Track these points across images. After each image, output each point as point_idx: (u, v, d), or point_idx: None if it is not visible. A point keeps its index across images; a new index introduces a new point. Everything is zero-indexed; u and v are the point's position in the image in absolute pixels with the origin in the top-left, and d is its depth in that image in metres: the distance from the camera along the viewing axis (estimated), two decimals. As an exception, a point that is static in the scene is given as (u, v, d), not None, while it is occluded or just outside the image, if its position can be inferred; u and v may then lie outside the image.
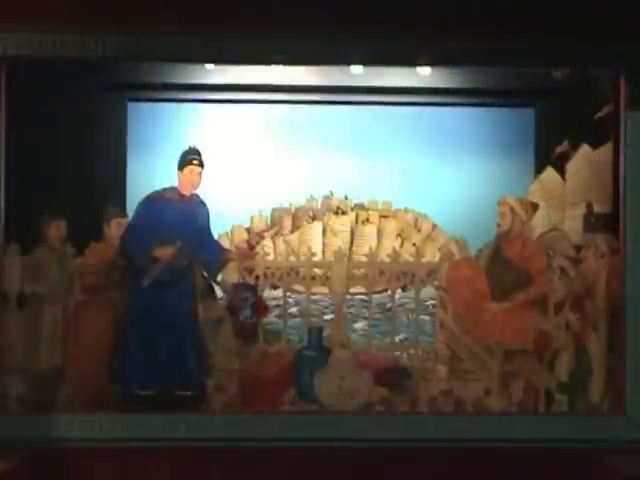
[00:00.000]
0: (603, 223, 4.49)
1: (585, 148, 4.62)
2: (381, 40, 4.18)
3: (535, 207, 4.70)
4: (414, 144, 5.09)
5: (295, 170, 5.06)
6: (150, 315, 4.51)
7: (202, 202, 4.61)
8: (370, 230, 5.08)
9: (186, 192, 4.60)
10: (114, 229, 4.59)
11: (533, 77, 4.69)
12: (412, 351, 4.76)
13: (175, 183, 4.61)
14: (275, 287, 4.75)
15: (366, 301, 4.80)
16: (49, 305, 4.49)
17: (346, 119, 5.09)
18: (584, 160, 4.63)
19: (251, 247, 4.87)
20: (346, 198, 5.12)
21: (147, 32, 4.16)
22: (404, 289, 4.79)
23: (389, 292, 4.78)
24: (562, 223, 4.67)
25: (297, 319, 4.82)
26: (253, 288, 4.65)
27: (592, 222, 4.56)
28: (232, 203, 4.91)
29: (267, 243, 4.97)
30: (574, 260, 4.55)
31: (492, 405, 4.53)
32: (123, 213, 4.64)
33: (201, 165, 4.59)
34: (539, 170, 4.79)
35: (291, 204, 5.10)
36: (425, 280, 4.75)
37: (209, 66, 4.68)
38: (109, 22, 4.16)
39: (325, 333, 4.63)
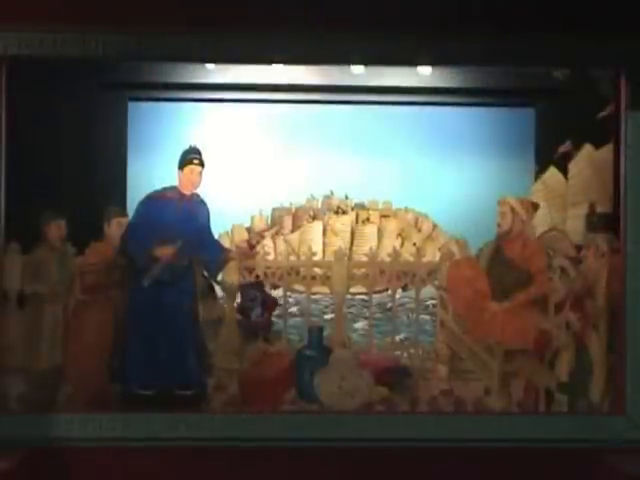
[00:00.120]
0: (606, 223, 4.48)
1: (588, 148, 4.62)
2: (381, 40, 4.17)
3: (535, 207, 4.70)
4: (414, 144, 5.09)
5: (295, 170, 5.06)
6: (150, 314, 4.51)
7: (202, 201, 4.61)
8: (370, 230, 5.08)
9: (186, 191, 4.60)
10: (114, 228, 4.60)
11: (533, 77, 4.69)
12: (412, 351, 4.77)
13: (175, 182, 4.61)
14: (275, 287, 4.75)
15: (366, 301, 4.81)
16: (49, 304, 4.49)
17: (346, 119, 5.08)
18: (587, 160, 4.62)
19: (251, 246, 4.87)
20: (346, 198, 5.12)
21: (148, 31, 4.16)
22: (404, 289, 4.80)
23: (389, 292, 4.78)
24: (564, 223, 4.67)
25: (297, 319, 4.82)
26: (259, 285, 4.66)
27: (595, 222, 4.55)
28: (232, 202, 4.92)
29: (267, 242, 4.97)
30: (574, 260, 4.55)
31: (492, 405, 4.53)
32: (123, 212, 4.64)
33: (201, 164, 4.59)
34: (540, 170, 4.79)
35: (291, 204, 5.10)
36: (425, 280, 4.75)
37: (210, 65, 4.68)
38: (110, 21, 4.15)
39: (325, 333, 4.64)
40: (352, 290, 4.76)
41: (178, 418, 4.28)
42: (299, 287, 4.78)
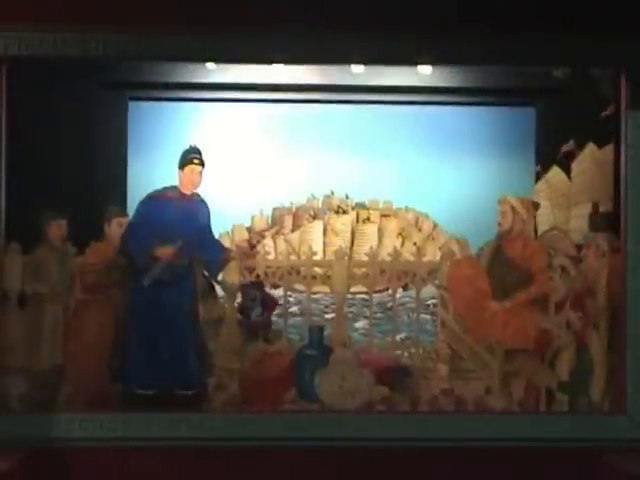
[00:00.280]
0: (609, 222, 4.48)
1: (591, 147, 4.62)
2: (381, 39, 4.18)
3: (536, 206, 4.70)
4: (415, 143, 5.09)
5: (296, 169, 5.06)
6: (151, 314, 4.52)
7: (203, 201, 4.61)
8: (371, 229, 5.07)
9: (187, 191, 4.61)
10: (115, 228, 4.60)
11: (534, 76, 4.69)
12: (413, 350, 4.77)
13: (176, 182, 4.62)
14: (276, 286, 4.75)
15: (367, 300, 4.81)
16: (50, 304, 4.49)
17: (347, 118, 5.08)
18: (590, 159, 4.62)
19: (252, 246, 4.87)
20: (347, 197, 5.12)
21: (148, 31, 4.17)
22: (405, 288, 4.80)
23: (390, 291, 4.78)
24: (568, 222, 4.67)
25: (298, 318, 4.81)
26: (259, 284, 4.66)
27: (598, 221, 4.55)
28: (233, 202, 4.91)
29: (268, 242, 4.97)
30: (575, 259, 4.55)
31: (493, 404, 4.53)
32: (124, 212, 4.65)
33: (202, 164, 4.59)
34: (542, 170, 4.79)
35: (292, 203, 5.10)
36: (426, 279, 4.75)
37: (210, 65, 4.68)
38: (110, 21, 4.16)
39: (326, 332, 4.64)
40: (353, 289, 4.76)
41: (179, 418, 4.29)
42: (299, 287, 4.78)
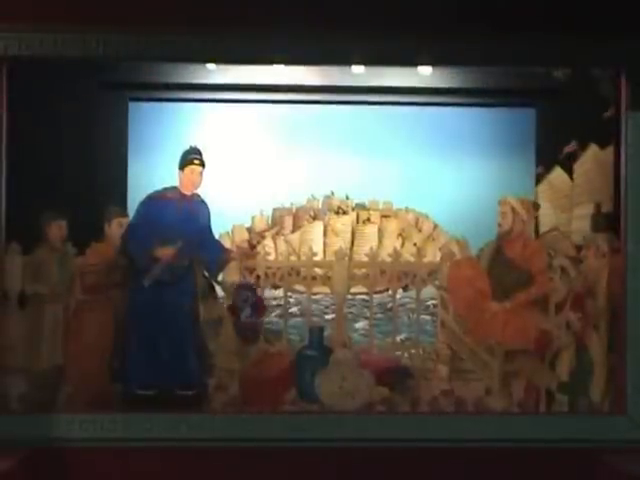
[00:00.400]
0: (611, 223, 4.47)
1: (593, 148, 4.61)
2: (382, 40, 4.18)
3: (536, 207, 4.70)
4: (415, 144, 5.08)
5: (296, 170, 5.05)
6: (151, 315, 4.52)
7: (203, 202, 4.62)
8: (371, 230, 5.07)
9: (187, 192, 4.61)
10: (115, 229, 4.60)
11: (534, 77, 4.68)
12: (413, 351, 4.76)
13: (176, 183, 4.62)
14: (276, 287, 4.75)
15: (367, 301, 4.80)
16: (50, 305, 4.49)
17: (347, 119, 5.07)
18: (592, 160, 4.62)
19: (252, 247, 4.86)
20: (347, 198, 5.11)
21: (148, 32, 4.17)
22: (405, 289, 4.79)
23: (390, 292, 4.78)
24: (570, 223, 4.67)
25: (298, 319, 4.81)
26: (253, 287, 4.66)
27: (600, 222, 4.55)
28: (233, 203, 4.91)
29: (268, 243, 4.96)
30: (575, 260, 4.55)
31: (493, 405, 4.53)
32: (124, 213, 4.64)
33: (202, 165, 4.60)
34: (544, 171, 4.78)
35: (292, 204, 5.09)
36: (426, 280, 4.75)
37: (210, 66, 4.67)
38: (110, 22, 4.16)
39: (326, 333, 4.64)
40: (353, 290, 4.76)
41: (179, 418, 4.29)
42: (300, 287, 4.78)
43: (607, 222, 4.51)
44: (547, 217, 4.73)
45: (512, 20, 4.17)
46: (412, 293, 4.77)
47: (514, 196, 4.67)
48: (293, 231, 5.09)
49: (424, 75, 4.74)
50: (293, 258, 4.80)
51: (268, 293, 4.72)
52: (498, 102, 5.07)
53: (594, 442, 4.31)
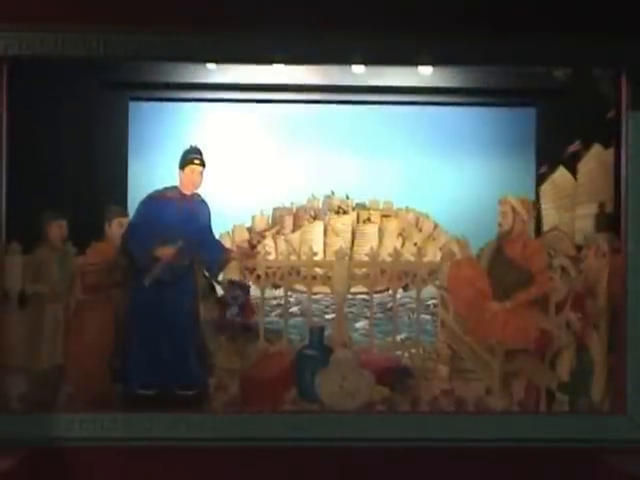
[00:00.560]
0: (615, 223, 4.47)
1: (597, 148, 4.61)
2: (382, 39, 4.18)
3: (536, 206, 4.71)
4: (415, 143, 5.08)
5: (296, 169, 5.05)
6: (151, 314, 4.52)
7: (203, 201, 4.62)
8: (371, 229, 5.07)
9: (187, 191, 4.61)
10: (115, 228, 4.60)
11: (534, 77, 4.68)
12: (413, 350, 4.76)
13: (176, 182, 4.62)
14: (276, 286, 4.75)
15: (367, 300, 4.80)
16: (50, 304, 4.50)
17: (347, 118, 5.07)
18: (596, 160, 4.62)
19: (252, 246, 4.87)
20: (347, 197, 5.11)
21: (149, 31, 4.17)
22: (405, 289, 4.79)
23: (390, 291, 4.78)
24: (573, 223, 4.67)
25: (298, 318, 4.81)
26: (246, 288, 4.66)
27: (604, 222, 4.55)
28: (233, 202, 4.91)
29: (268, 242, 4.96)
30: (575, 259, 4.55)
31: (493, 404, 4.53)
32: (124, 212, 4.65)
33: (202, 164, 4.60)
34: (545, 169, 4.79)
35: (292, 203, 5.09)
36: (426, 280, 4.75)
37: (210, 65, 4.68)
38: (111, 21, 4.16)
39: (326, 332, 4.64)
40: (353, 290, 4.76)
41: (179, 418, 4.29)
42: (300, 287, 4.78)
43: (611, 222, 4.51)
44: (550, 217, 4.73)
45: (512, 20, 4.17)
46: (412, 293, 4.77)
47: (514, 196, 4.67)
48: (293, 231, 5.10)
49: (424, 75, 4.74)
50: (293, 258, 4.80)
51: (268, 293, 4.73)
52: (498, 102, 5.08)
53: (594, 442, 4.31)
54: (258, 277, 4.71)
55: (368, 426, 4.34)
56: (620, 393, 4.35)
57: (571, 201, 4.71)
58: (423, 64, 4.55)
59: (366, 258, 4.82)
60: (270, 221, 5.08)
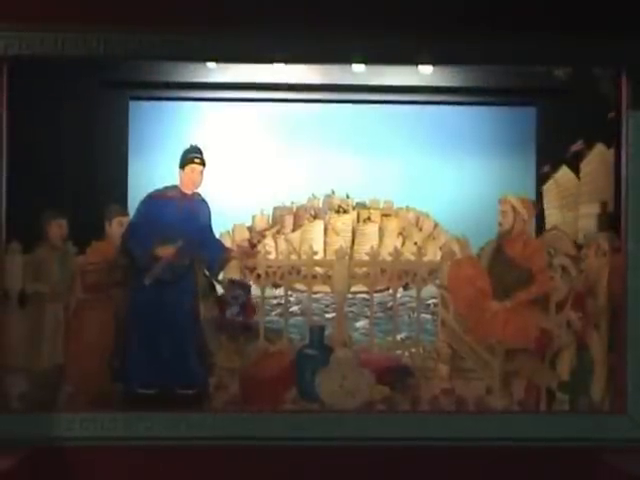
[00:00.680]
0: (617, 222, 4.47)
1: (600, 147, 4.61)
2: (382, 39, 4.17)
3: (536, 206, 4.71)
4: (416, 143, 5.08)
5: (296, 169, 5.05)
6: (151, 314, 4.52)
7: (203, 201, 4.62)
8: (371, 229, 5.07)
9: (188, 191, 4.61)
10: (115, 228, 4.60)
11: (534, 76, 4.69)
12: (413, 350, 4.76)
13: (177, 182, 4.62)
14: (276, 286, 4.75)
15: (367, 300, 4.80)
16: (50, 304, 4.50)
17: (348, 118, 5.08)
18: (599, 159, 4.61)
19: (252, 246, 4.87)
20: (347, 197, 5.11)
21: (149, 31, 4.16)
22: (405, 288, 4.79)
23: (390, 291, 4.78)
24: (576, 222, 4.67)
25: (298, 318, 4.81)
26: (246, 287, 4.66)
27: (607, 221, 4.54)
28: (233, 202, 4.91)
29: (268, 242, 4.96)
30: (575, 259, 4.55)
31: (493, 404, 4.54)
32: (124, 212, 4.65)
33: (203, 164, 4.60)
34: (548, 169, 4.78)
35: (293, 203, 5.09)
36: (426, 279, 4.75)
37: (211, 64, 4.68)
38: (111, 21, 4.16)
39: (327, 332, 4.64)
40: (353, 289, 4.76)
41: (179, 417, 4.29)
42: (300, 286, 4.78)
43: (613, 221, 4.50)
44: (553, 216, 4.73)
45: (512, 19, 4.17)
46: (412, 292, 4.77)
47: (515, 195, 4.67)
48: (294, 230, 5.10)
49: (425, 74, 4.74)
50: (294, 257, 4.80)
51: (269, 292, 4.73)
52: (499, 101, 5.08)
53: (594, 441, 4.31)
54: (258, 276, 4.71)
55: (368, 425, 4.34)
56: (620, 392, 4.36)
57: (574, 200, 4.71)
58: (423, 63, 4.55)
59: (366, 257, 4.82)
60: (270, 220, 5.08)
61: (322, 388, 4.48)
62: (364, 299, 4.83)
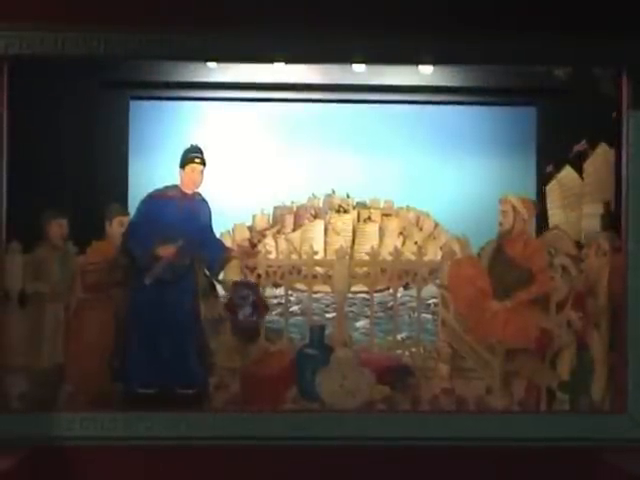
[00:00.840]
0: (616, 222, 4.47)
1: (603, 147, 4.60)
2: (382, 38, 4.17)
3: (537, 206, 4.71)
4: (416, 142, 5.09)
5: (297, 168, 5.06)
6: (152, 313, 4.52)
7: (204, 200, 4.62)
8: (372, 228, 5.07)
9: (188, 190, 4.61)
10: (116, 227, 4.60)
11: (534, 76, 4.69)
12: (414, 349, 4.76)
13: (177, 181, 4.62)
14: (277, 285, 4.75)
15: (368, 299, 4.80)
16: (51, 303, 4.50)
17: (348, 117, 5.08)
18: (602, 159, 4.61)
19: (253, 245, 4.87)
20: (348, 196, 5.11)
21: (149, 30, 4.16)
22: (406, 287, 4.79)
23: (391, 290, 4.78)
24: (579, 222, 4.67)
25: (299, 317, 4.81)
26: (253, 286, 4.65)
27: (610, 221, 4.54)
28: (234, 201, 4.92)
29: (269, 241, 4.97)
30: (576, 258, 4.55)
31: (494, 404, 4.54)
32: (125, 211, 4.65)
33: (203, 163, 4.60)
34: (551, 168, 4.78)
35: (293, 202, 5.09)
36: (427, 278, 4.75)
37: (211, 64, 4.68)
38: (111, 20, 4.16)
39: (327, 331, 4.64)
40: (353, 289, 4.76)
41: (179, 417, 4.29)
42: (300, 286, 4.78)
43: (616, 221, 4.50)
44: (556, 216, 4.73)
45: (512, 20, 4.17)
46: (413, 292, 4.77)
47: (515, 195, 4.66)
48: (294, 230, 5.10)
49: (425, 74, 4.74)
50: (294, 257, 4.80)
51: (269, 292, 4.72)
52: (499, 101, 5.08)
53: (595, 441, 4.31)
54: (259, 276, 4.71)
55: (368, 425, 4.34)
56: (621, 392, 4.36)
57: (577, 200, 4.71)
58: (423, 63, 4.56)
59: (367, 257, 4.82)
60: (271, 220, 5.08)
61: (322, 388, 4.48)
62: (364, 299, 4.83)
